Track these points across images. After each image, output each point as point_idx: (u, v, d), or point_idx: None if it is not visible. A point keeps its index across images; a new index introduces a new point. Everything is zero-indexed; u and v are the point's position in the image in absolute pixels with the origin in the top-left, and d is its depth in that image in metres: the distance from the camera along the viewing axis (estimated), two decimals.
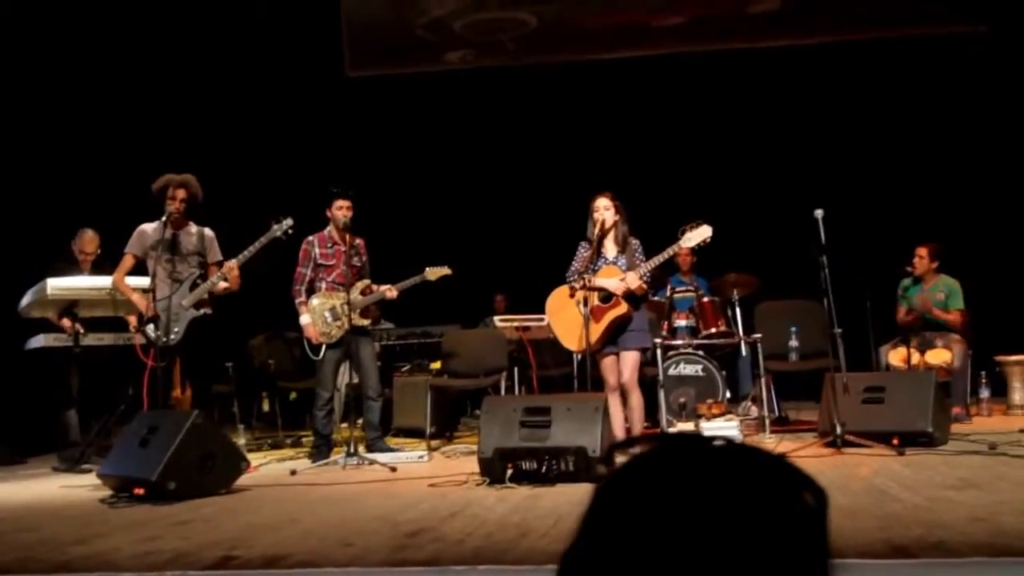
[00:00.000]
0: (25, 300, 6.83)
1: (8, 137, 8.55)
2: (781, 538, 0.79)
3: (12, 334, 7.17)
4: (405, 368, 8.76)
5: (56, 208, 8.21)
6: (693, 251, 8.07)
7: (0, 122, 8.50)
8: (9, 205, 8.38)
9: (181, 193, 6.25)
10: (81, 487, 5.74)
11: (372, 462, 6.00)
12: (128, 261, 6.41)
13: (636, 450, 0.88)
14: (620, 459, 0.88)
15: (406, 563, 3.16)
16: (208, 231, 6.52)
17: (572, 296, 5.82)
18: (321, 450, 6.56)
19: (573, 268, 5.95)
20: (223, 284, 6.31)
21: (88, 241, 7.26)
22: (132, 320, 6.86)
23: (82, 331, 6.81)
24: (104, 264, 7.11)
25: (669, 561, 0.78)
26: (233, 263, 6.26)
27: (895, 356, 7.41)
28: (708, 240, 5.87)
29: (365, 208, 6.87)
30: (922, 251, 7.65)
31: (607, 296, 5.77)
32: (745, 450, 0.86)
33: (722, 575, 0.78)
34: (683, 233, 5.87)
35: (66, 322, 6.99)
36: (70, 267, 7.09)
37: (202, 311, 6.32)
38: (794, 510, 0.82)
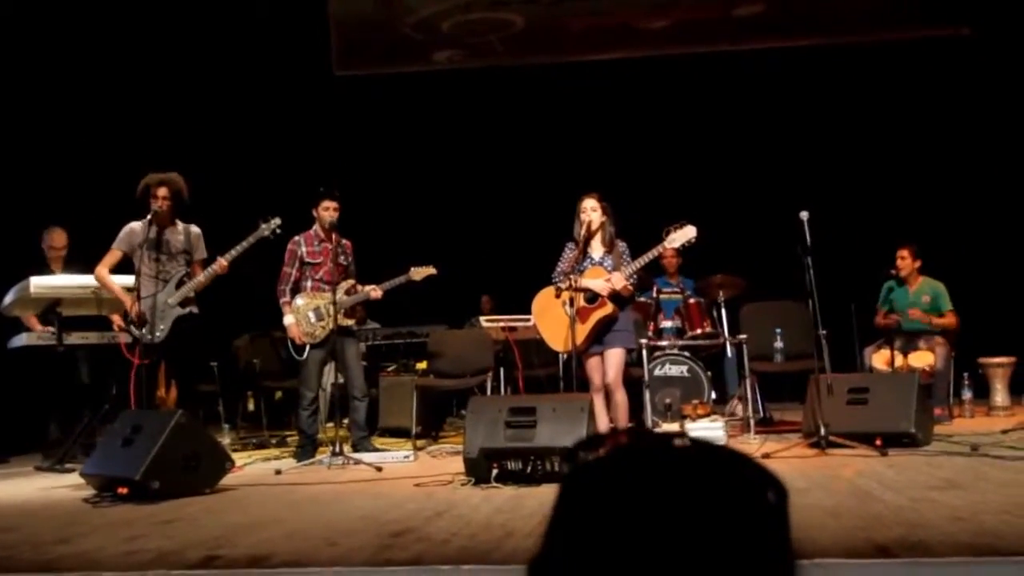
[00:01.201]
0: (7, 299, 6.80)
1: None
2: (743, 536, 0.80)
3: None
4: (391, 368, 8.76)
5: (39, 208, 8.17)
6: (679, 252, 8.10)
7: None
8: None
9: (162, 191, 6.24)
10: (64, 486, 5.71)
11: (357, 462, 6.00)
12: (114, 255, 6.38)
13: (602, 449, 0.88)
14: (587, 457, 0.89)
15: (391, 563, 3.15)
16: (195, 229, 6.51)
17: (558, 297, 5.83)
18: (306, 450, 6.55)
19: (559, 269, 5.96)
20: (208, 278, 6.29)
21: (57, 236, 7.30)
22: (116, 319, 6.85)
23: (51, 331, 6.79)
24: (73, 262, 7.11)
25: (632, 562, 0.79)
26: (224, 260, 6.25)
27: (878, 358, 7.45)
28: (693, 240, 5.89)
29: (351, 207, 6.86)
30: (904, 252, 7.69)
31: (593, 297, 5.79)
32: (708, 449, 0.86)
33: (685, 574, 0.78)
34: (667, 234, 5.89)
35: (36, 325, 6.97)
36: (41, 271, 7.04)
37: (188, 309, 6.31)
38: (756, 508, 0.82)
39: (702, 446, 0.86)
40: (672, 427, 6.86)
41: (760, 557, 0.80)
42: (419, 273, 6.88)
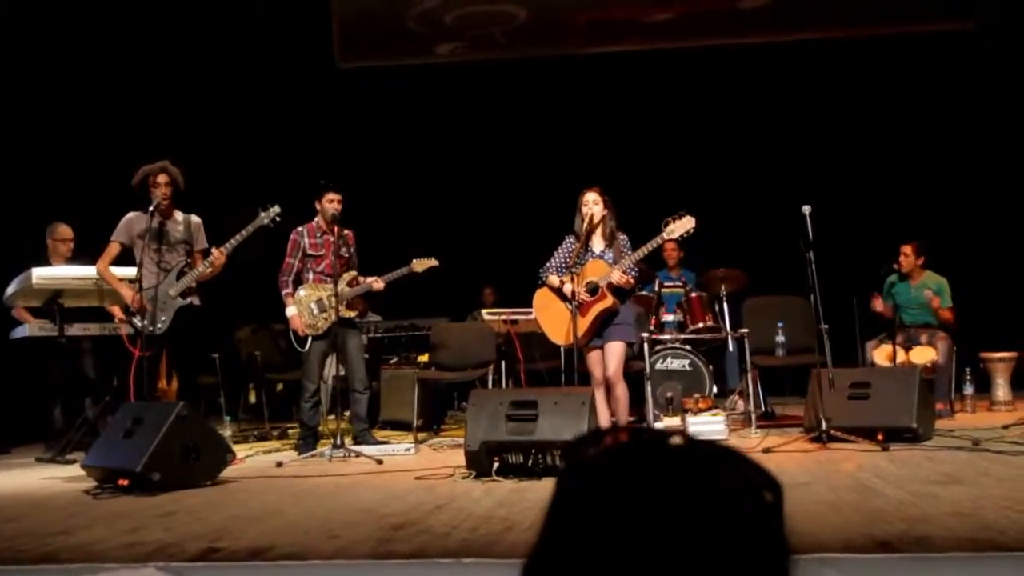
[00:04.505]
0: (10, 290, 6.79)
1: None
2: (737, 536, 0.80)
3: None
4: (392, 360, 8.75)
5: (38, 201, 8.17)
6: (680, 245, 8.10)
7: None
8: None
9: (163, 179, 6.23)
10: (65, 477, 5.72)
11: (358, 454, 6.00)
12: (113, 249, 6.37)
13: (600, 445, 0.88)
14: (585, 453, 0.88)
15: (392, 555, 3.15)
16: (195, 218, 6.50)
17: (550, 288, 5.89)
18: (307, 442, 6.55)
19: (548, 264, 5.98)
20: (208, 270, 6.30)
21: (65, 230, 7.27)
22: (116, 311, 6.85)
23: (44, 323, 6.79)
24: (78, 258, 7.11)
25: (625, 560, 0.78)
26: (221, 251, 6.25)
27: (880, 354, 7.43)
28: (691, 230, 5.88)
29: (353, 199, 6.85)
30: (907, 249, 7.68)
31: (593, 289, 5.78)
32: (703, 447, 0.86)
33: (678, 573, 0.78)
34: (666, 225, 5.88)
35: (29, 318, 6.97)
36: (41, 265, 7.03)
37: (189, 300, 6.30)
38: (751, 508, 0.82)
39: (698, 444, 0.86)
40: (673, 421, 6.86)
41: (753, 557, 0.80)
42: (421, 264, 6.88)
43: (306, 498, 4.59)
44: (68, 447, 6.58)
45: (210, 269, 6.29)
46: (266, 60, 10.08)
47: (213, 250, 6.27)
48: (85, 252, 7.01)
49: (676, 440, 0.85)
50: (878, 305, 7.61)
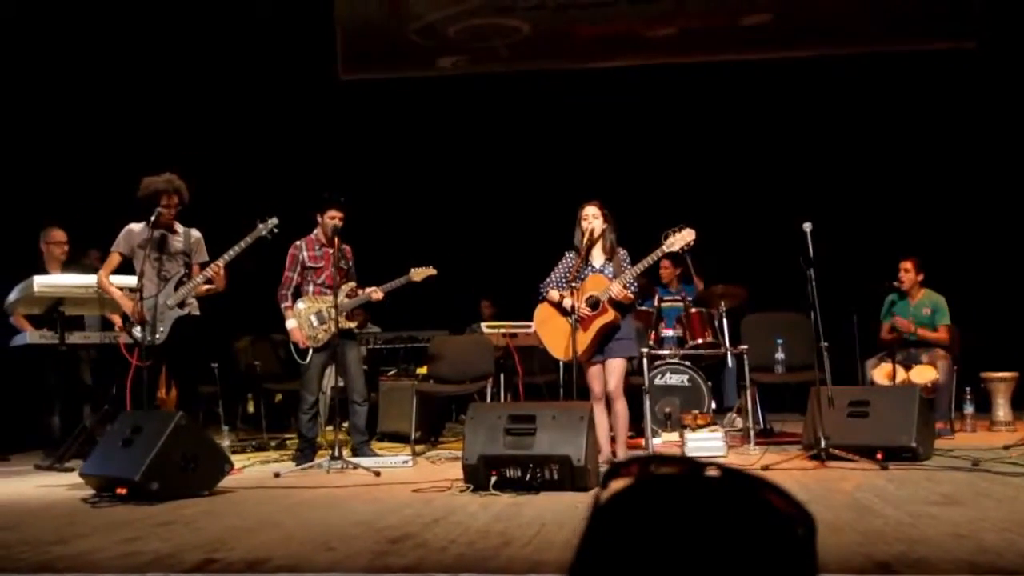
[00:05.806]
0: (11, 297, 6.81)
1: None
2: (768, 569, 0.80)
3: None
4: (391, 372, 8.75)
5: (38, 208, 8.18)
6: (675, 263, 8.12)
7: None
8: None
9: (174, 200, 6.25)
10: (63, 486, 5.71)
11: (356, 466, 5.99)
12: (114, 259, 6.38)
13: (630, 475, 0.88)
14: (617, 483, 0.88)
15: (388, 569, 3.15)
16: (195, 232, 6.50)
17: (550, 303, 5.87)
18: (305, 453, 6.54)
19: (548, 279, 5.98)
20: (207, 285, 6.29)
21: (59, 234, 7.29)
22: (116, 319, 6.85)
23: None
24: (71, 265, 7.12)
25: None
26: (220, 263, 6.25)
27: (879, 373, 7.42)
28: (691, 243, 5.86)
29: (353, 211, 6.85)
30: (907, 265, 7.68)
31: (594, 303, 5.78)
32: (737, 480, 0.86)
33: None
34: (666, 238, 5.87)
35: (27, 326, 6.98)
36: (37, 272, 7.03)
37: (187, 310, 6.30)
38: (783, 542, 0.82)
39: (732, 476, 0.86)
40: (671, 436, 6.86)
41: None
42: (419, 274, 6.87)
43: (303, 510, 4.58)
44: (66, 455, 6.57)
45: (210, 284, 6.29)
46: (269, 71, 10.12)
47: (212, 264, 6.27)
48: (77, 261, 7.01)
49: (712, 472, 0.85)
50: (886, 334, 7.62)
